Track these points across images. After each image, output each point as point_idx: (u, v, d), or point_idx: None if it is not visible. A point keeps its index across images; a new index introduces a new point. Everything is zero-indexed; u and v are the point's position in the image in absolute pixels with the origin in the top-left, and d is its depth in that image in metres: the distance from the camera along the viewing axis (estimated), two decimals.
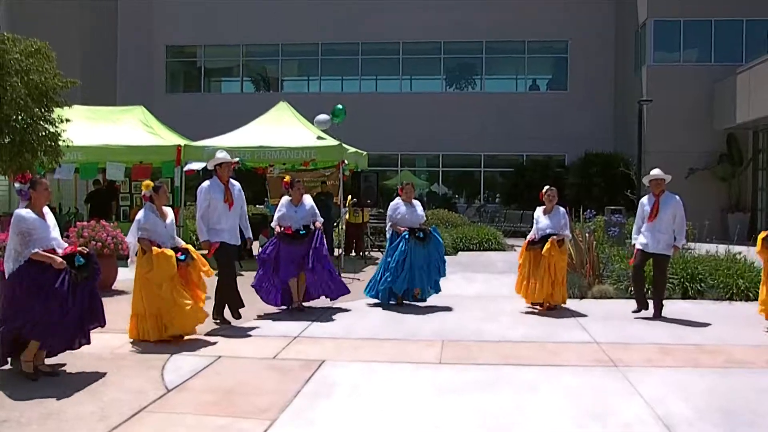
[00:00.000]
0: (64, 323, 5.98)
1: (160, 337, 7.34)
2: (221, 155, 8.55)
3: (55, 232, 6.24)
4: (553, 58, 30.04)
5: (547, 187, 9.91)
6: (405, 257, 9.77)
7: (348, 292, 9.66)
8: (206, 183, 8.38)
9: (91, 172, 15.15)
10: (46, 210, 6.27)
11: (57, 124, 10.98)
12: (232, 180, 8.50)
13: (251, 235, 8.96)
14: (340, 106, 14.30)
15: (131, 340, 7.40)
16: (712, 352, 7.33)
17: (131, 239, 7.51)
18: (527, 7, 28.28)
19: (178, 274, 7.35)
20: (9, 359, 6.15)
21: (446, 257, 10.54)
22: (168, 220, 7.57)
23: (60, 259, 6.01)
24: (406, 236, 9.83)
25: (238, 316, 8.44)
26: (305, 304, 9.56)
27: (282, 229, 9.27)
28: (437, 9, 28.66)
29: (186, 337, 7.53)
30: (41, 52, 10.72)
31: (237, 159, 9.30)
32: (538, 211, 9.88)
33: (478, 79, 30.33)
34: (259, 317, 8.97)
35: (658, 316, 9.14)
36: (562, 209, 9.84)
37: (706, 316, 9.24)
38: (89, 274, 6.20)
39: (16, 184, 6.23)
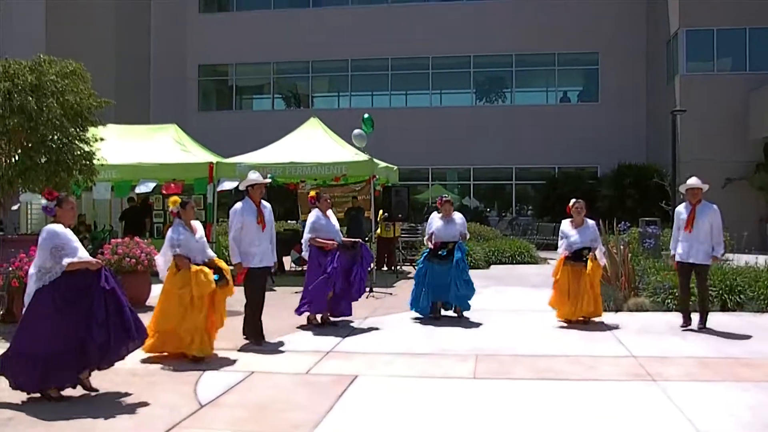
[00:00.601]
0: (107, 325, 5.87)
1: (177, 350, 7.29)
2: (254, 176, 8.46)
3: (82, 248, 6.20)
4: (584, 70, 29.83)
5: (573, 200, 9.81)
6: (424, 274, 9.87)
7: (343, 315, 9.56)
8: (239, 204, 8.28)
9: (125, 189, 15.35)
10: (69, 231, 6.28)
11: (91, 143, 11.15)
12: (263, 201, 8.41)
13: (276, 259, 8.89)
14: (366, 116, 14.30)
15: (149, 354, 7.32)
16: (753, 365, 7.15)
17: (162, 259, 7.50)
18: (556, 20, 28.19)
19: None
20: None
21: (479, 271, 10.49)
22: (198, 235, 7.57)
23: (96, 260, 6.04)
24: (425, 254, 9.89)
25: (257, 344, 8.21)
26: (335, 318, 9.55)
27: (326, 240, 9.22)
28: (466, 23, 28.70)
29: (218, 354, 7.52)
30: (76, 73, 10.90)
31: (269, 179, 9.27)
32: (566, 225, 9.75)
33: (509, 92, 30.25)
34: (291, 332, 8.96)
35: (703, 327, 9.00)
36: (591, 222, 9.72)
37: (745, 329, 9.04)
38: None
39: (43, 201, 6.23)
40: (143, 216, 16.83)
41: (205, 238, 7.73)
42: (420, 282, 9.93)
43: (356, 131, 14.27)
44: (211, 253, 7.71)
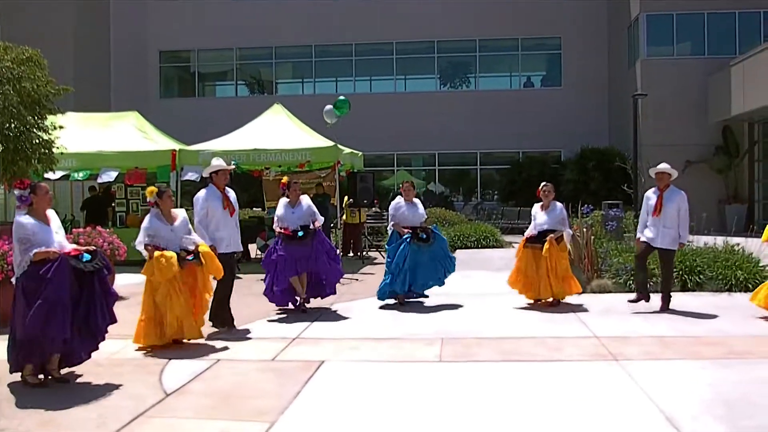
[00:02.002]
0: (66, 321, 5.83)
1: (160, 342, 7.26)
2: (217, 162, 8.42)
3: (59, 235, 6.17)
4: (547, 55, 30.07)
5: (543, 184, 9.94)
6: (405, 259, 9.69)
7: (332, 293, 9.67)
8: (203, 191, 8.23)
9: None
10: (51, 214, 6.23)
11: (50, 132, 10.95)
12: (227, 187, 8.36)
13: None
14: (342, 98, 14.18)
15: (136, 345, 7.29)
16: (713, 343, 7.31)
17: (141, 247, 7.41)
18: (519, 5, 28.33)
19: (186, 276, 7.26)
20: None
21: None
22: (177, 223, 7.42)
23: (55, 250, 5.95)
24: (408, 239, 9.78)
25: (228, 331, 8.20)
26: (308, 305, 9.54)
27: (282, 229, 9.26)
28: (430, 8, 28.67)
29: (185, 341, 7.46)
30: (33, 59, 10.67)
31: (233, 165, 9.22)
32: (536, 208, 9.91)
33: (472, 77, 30.36)
34: (257, 319, 8.93)
35: (665, 309, 9.15)
36: (559, 205, 9.83)
37: (705, 308, 9.23)
38: (96, 265, 6.11)
39: (16, 191, 6.15)
40: (105, 205, 16.59)
41: (187, 225, 7.57)
42: (399, 268, 9.72)
43: (328, 107, 14.12)
44: (196, 237, 7.59)
